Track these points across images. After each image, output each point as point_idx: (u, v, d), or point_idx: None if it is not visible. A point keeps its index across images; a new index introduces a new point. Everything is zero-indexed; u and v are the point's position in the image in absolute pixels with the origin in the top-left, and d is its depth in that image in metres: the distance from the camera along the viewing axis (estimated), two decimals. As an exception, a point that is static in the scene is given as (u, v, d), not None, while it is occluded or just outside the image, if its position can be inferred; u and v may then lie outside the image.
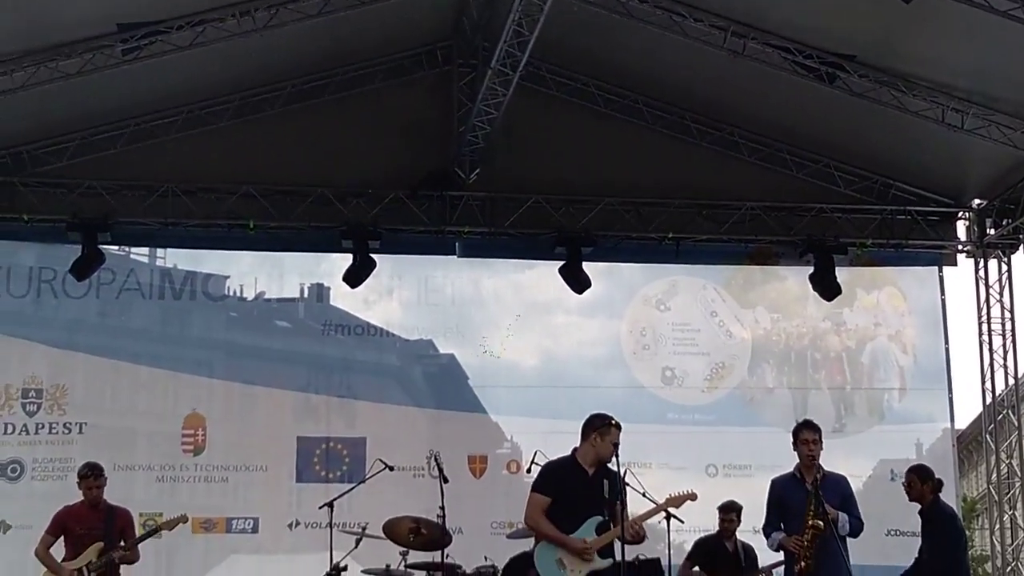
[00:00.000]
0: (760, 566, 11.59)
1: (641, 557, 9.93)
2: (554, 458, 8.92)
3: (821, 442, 9.41)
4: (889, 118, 13.56)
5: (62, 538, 10.35)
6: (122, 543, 10.30)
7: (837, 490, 9.36)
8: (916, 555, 10.48)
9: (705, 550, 11.82)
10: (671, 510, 8.97)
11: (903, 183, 15.41)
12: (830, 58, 12.98)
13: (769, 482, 9.82)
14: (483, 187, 14.78)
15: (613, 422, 8.61)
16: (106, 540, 10.21)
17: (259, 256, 15.15)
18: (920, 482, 10.34)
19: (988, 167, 14.67)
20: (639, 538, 8.51)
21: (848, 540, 9.33)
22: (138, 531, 10.76)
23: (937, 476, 10.52)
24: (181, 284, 14.99)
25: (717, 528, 11.81)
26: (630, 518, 8.51)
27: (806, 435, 9.38)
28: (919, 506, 10.35)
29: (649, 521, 8.71)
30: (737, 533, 11.81)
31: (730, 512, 11.76)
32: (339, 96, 14.73)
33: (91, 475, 10.36)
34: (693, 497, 8.90)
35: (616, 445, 8.50)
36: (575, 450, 8.69)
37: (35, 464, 14.10)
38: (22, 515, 13.55)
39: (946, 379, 15.56)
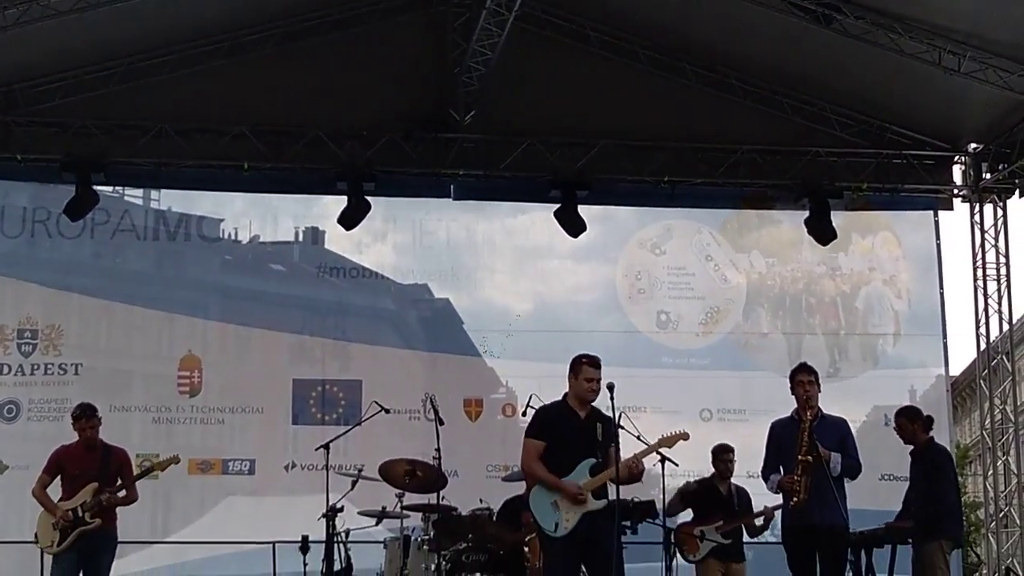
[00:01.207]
0: (754, 509, 11.62)
1: (636, 499, 9.98)
2: (547, 402, 8.97)
3: (818, 385, 9.52)
4: (885, 61, 13.50)
5: (59, 478, 10.35)
6: (118, 482, 10.30)
7: (835, 432, 9.46)
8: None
9: (698, 492, 11.84)
10: (664, 452, 9.06)
11: (899, 127, 15.34)
12: (826, -1, 12.92)
13: (762, 426, 9.94)
14: (478, 129, 14.69)
15: (585, 359, 8.73)
16: (101, 480, 10.16)
17: (253, 198, 15.13)
18: (910, 423, 10.37)
19: (985, 111, 14.61)
20: (637, 473, 8.61)
21: (846, 483, 9.42)
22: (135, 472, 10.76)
23: (926, 414, 10.57)
24: (175, 226, 14.96)
25: (711, 472, 11.82)
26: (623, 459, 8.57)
27: (802, 376, 9.54)
28: (912, 447, 10.40)
29: (644, 465, 8.76)
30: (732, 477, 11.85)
31: (729, 452, 11.69)
32: (333, 36, 14.59)
33: (83, 416, 10.29)
34: (685, 436, 9.03)
35: (591, 380, 8.64)
36: (566, 394, 8.81)
37: (31, 404, 14.11)
38: (19, 455, 13.58)
39: (940, 324, 15.57)
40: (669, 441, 8.97)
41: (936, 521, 9.95)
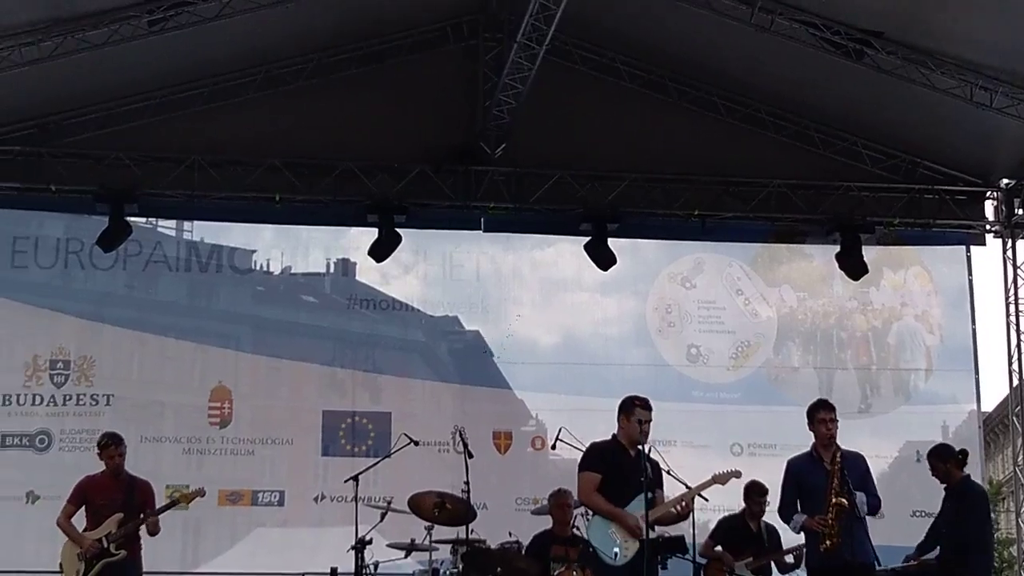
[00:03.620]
0: (784, 547, 11.56)
1: (665, 535, 9.96)
2: (597, 440, 9.20)
3: (836, 421, 9.40)
4: (917, 96, 13.46)
5: (83, 508, 10.38)
6: (142, 515, 10.29)
7: (856, 468, 9.31)
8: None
9: (728, 528, 11.82)
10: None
11: (931, 162, 15.31)
12: (858, 34, 12.87)
13: (792, 462, 9.84)
14: (508, 162, 14.72)
15: (638, 402, 8.97)
16: (126, 511, 10.21)
17: (284, 230, 15.16)
18: (942, 462, 10.32)
19: (1017, 146, 14.54)
20: (685, 514, 8.99)
21: (867, 519, 9.33)
22: (162, 503, 10.76)
23: (959, 449, 10.49)
24: (207, 257, 14.99)
25: (741, 507, 11.78)
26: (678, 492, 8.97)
27: (823, 414, 9.36)
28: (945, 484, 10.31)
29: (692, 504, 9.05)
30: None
31: (763, 495, 11.61)
32: (365, 69, 14.69)
33: (112, 444, 10.36)
34: (738, 475, 9.39)
35: (641, 422, 8.82)
36: (614, 435, 9.03)
37: (63, 435, 14.11)
38: (51, 486, 13.48)
39: (972, 360, 15.45)
40: (723, 479, 9.22)
41: (962, 557, 9.87)
